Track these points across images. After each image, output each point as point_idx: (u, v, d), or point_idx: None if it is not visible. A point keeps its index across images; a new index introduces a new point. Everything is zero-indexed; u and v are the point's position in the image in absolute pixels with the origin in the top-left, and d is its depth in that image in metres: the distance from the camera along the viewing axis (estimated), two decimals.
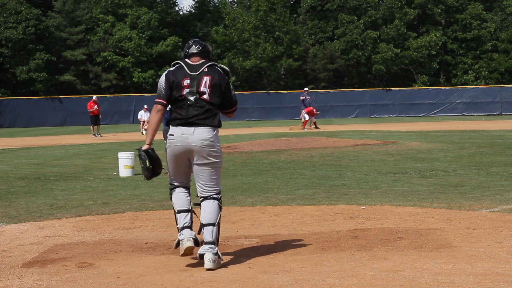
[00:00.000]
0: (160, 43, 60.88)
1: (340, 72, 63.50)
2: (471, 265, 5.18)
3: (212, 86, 5.59)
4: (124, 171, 13.76)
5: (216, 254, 5.35)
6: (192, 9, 70.80)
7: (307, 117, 32.71)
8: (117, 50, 61.64)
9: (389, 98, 54.39)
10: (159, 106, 5.63)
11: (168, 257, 5.83)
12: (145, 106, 34.97)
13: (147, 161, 5.66)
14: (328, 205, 8.69)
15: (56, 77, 59.38)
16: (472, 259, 5.38)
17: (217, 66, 5.71)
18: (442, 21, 64.11)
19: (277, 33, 60.41)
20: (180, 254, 5.60)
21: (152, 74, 59.86)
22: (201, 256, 5.37)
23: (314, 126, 32.67)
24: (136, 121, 46.50)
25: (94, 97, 33.98)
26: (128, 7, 62.36)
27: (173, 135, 5.54)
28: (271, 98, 55.07)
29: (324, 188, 10.76)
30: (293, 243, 6.27)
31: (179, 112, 5.56)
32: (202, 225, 5.50)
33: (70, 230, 7.42)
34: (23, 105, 53.77)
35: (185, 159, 5.59)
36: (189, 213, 5.66)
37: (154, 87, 58.97)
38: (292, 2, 69.08)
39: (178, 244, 5.67)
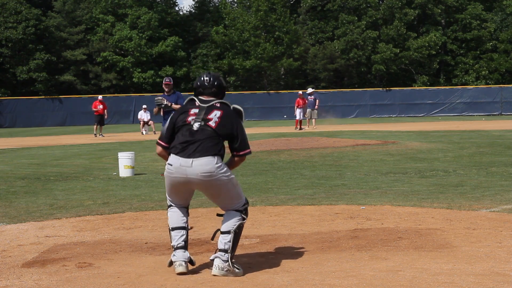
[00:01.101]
0: (160, 43, 60.87)
1: (340, 72, 63.49)
2: (471, 265, 5.18)
3: (221, 118, 5.33)
4: (124, 171, 13.76)
5: (226, 261, 5.11)
6: (192, 9, 70.83)
7: (298, 116, 32.72)
8: (117, 50, 61.64)
9: (389, 98, 54.39)
10: (159, 148, 5.50)
11: (168, 257, 5.83)
12: (144, 106, 34.95)
13: None
14: (328, 205, 8.69)
15: (56, 77, 59.38)
16: (472, 259, 5.38)
17: (230, 104, 5.50)
18: (442, 21, 64.11)
19: (277, 33, 60.41)
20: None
21: (152, 74, 59.85)
22: (212, 261, 5.22)
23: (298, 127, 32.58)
24: (136, 121, 46.50)
25: (100, 97, 33.84)
26: (128, 7, 62.36)
27: (171, 165, 5.24)
28: (271, 98, 55.07)
29: (324, 188, 10.76)
30: (293, 243, 6.27)
31: (180, 138, 5.29)
32: (220, 231, 5.32)
33: (70, 230, 7.42)
34: (23, 105, 53.76)
35: (186, 189, 5.36)
36: (184, 231, 5.39)
37: (154, 87, 59.02)
38: (292, 2, 69.08)
39: (171, 263, 5.35)
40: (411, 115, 52.64)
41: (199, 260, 5.68)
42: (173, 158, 5.25)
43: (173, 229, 5.42)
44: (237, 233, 5.30)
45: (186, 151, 5.21)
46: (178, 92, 13.75)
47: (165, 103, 13.02)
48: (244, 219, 5.37)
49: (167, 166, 5.31)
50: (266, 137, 23.92)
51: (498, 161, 14.49)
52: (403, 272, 5.01)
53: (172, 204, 5.50)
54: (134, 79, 60.24)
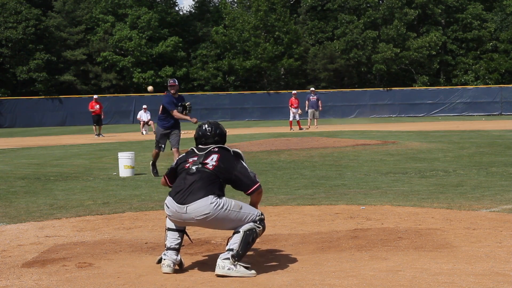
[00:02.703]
0: (160, 43, 60.87)
1: (340, 72, 63.47)
2: (471, 265, 5.18)
3: (219, 160, 5.40)
4: (124, 171, 13.75)
5: (227, 259, 5.09)
6: (192, 9, 70.84)
7: (291, 117, 32.64)
8: (117, 50, 61.64)
9: (389, 98, 54.38)
10: (163, 181, 5.75)
11: None
12: (144, 106, 34.94)
13: None
14: (328, 205, 8.69)
15: (56, 77, 59.37)
16: (472, 259, 5.38)
17: (229, 149, 5.57)
18: (442, 21, 64.09)
19: (277, 33, 60.39)
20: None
21: (152, 74, 59.85)
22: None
23: (298, 127, 32.55)
24: (136, 121, 46.51)
25: (95, 96, 33.82)
26: (128, 7, 62.36)
27: (168, 207, 5.35)
28: (271, 98, 55.06)
29: (324, 188, 10.76)
30: (293, 243, 6.27)
31: (178, 182, 5.42)
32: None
33: (70, 230, 7.42)
34: (23, 105, 53.75)
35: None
36: (179, 234, 5.44)
37: (154, 87, 58.87)
38: (292, 2, 69.06)
39: (160, 261, 5.37)
40: (411, 115, 52.62)
41: (199, 260, 5.69)
42: (169, 201, 5.34)
43: (170, 229, 5.45)
44: (248, 234, 5.25)
45: (181, 196, 5.28)
46: (183, 96, 13.86)
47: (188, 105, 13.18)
48: (258, 227, 5.33)
49: (165, 205, 5.41)
50: (266, 137, 23.92)
51: (498, 161, 14.49)
52: (403, 272, 5.01)
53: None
54: (134, 79, 60.22)
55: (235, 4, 69.59)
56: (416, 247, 5.89)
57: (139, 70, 60.31)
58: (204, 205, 5.19)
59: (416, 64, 61.67)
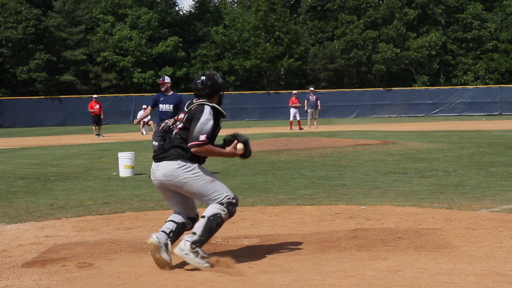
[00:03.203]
0: (160, 43, 60.87)
1: (340, 72, 63.46)
2: (471, 265, 5.18)
3: (185, 121, 5.53)
4: (124, 171, 13.75)
5: (188, 241, 5.24)
6: (192, 9, 70.81)
7: (291, 117, 32.63)
8: (117, 50, 61.64)
9: (389, 98, 54.36)
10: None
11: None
12: (144, 106, 34.93)
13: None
14: (328, 205, 8.69)
15: (56, 77, 59.36)
16: (472, 259, 5.38)
17: (208, 104, 5.57)
18: (442, 21, 64.10)
19: (277, 33, 60.38)
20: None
21: (152, 74, 59.83)
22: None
23: (299, 127, 32.54)
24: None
25: (94, 96, 33.78)
26: (128, 7, 62.34)
27: (152, 169, 5.61)
28: (271, 98, 55.06)
29: (324, 188, 10.76)
30: (293, 243, 6.27)
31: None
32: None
33: (70, 230, 7.42)
34: (23, 105, 53.73)
35: (166, 191, 5.59)
36: (174, 225, 5.55)
37: (154, 87, 58.97)
38: (292, 2, 69.06)
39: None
40: (411, 115, 52.61)
41: None
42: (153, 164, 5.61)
43: (168, 220, 5.66)
44: (211, 220, 5.35)
45: (157, 155, 5.57)
46: (180, 95, 13.46)
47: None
48: (224, 211, 5.41)
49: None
50: (266, 137, 23.92)
51: (498, 161, 14.49)
52: (403, 272, 5.01)
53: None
54: (134, 79, 60.22)
55: (235, 4, 69.60)
56: (416, 247, 5.89)
57: (139, 70, 60.29)
58: (171, 166, 5.41)
59: (416, 64, 61.65)
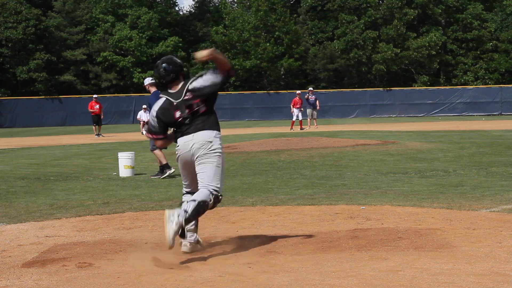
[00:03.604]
0: (160, 43, 60.87)
1: (340, 72, 63.48)
2: (471, 265, 5.18)
3: (200, 98, 5.88)
4: (124, 171, 13.75)
5: (181, 216, 5.54)
6: (192, 9, 70.85)
7: (294, 117, 32.60)
8: (117, 50, 61.65)
9: (389, 98, 54.36)
10: (160, 141, 6.19)
11: (168, 257, 5.83)
12: (144, 106, 34.88)
13: None
14: (328, 205, 8.69)
15: (56, 77, 59.37)
16: (472, 259, 5.38)
17: (191, 78, 6.02)
18: (442, 21, 64.11)
19: (277, 33, 60.38)
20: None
21: (152, 74, 59.83)
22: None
23: (299, 127, 32.52)
24: (136, 121, 46.49)
25: (95, 96, 33.74)
26: (128, 7, 62.34)
27: (178, 145, 5.90)
28: (271, 98, 55.06)
29: (324, 188, 10.75)
30: (293, 243, 6.27)
31: (179, 131, 5.92)
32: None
33: (70, 230, 7.42)
34: (23, 105, 53.73)
35: (190, 166, 5.92)
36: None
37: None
38: (292, 2, 69.06)
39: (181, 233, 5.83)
40: (411, 115, 52.61)
41: (198, 260, 5.69)
42: (179, 140, 5.88)
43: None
44: (201, 205, 5.66)
45: (187, 129, 5.85)
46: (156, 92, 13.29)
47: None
48: (210, 199, 5.71)
49: (176, 152, 5.93)
50: (266, 137, 23.92)
51: (498, 161, 14.49)
52: (403, 272, 5.01)
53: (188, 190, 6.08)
54: (134, 79, 60.22)
55: (235, 4, 69.60)
56: (416, 247, 5.88)
57: (139, 70, 60.30)
58: (211, 133, 5.83)
59: (416, 64, 61.67)
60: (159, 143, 6.17)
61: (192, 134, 5.79)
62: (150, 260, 5.53)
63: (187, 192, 6.08)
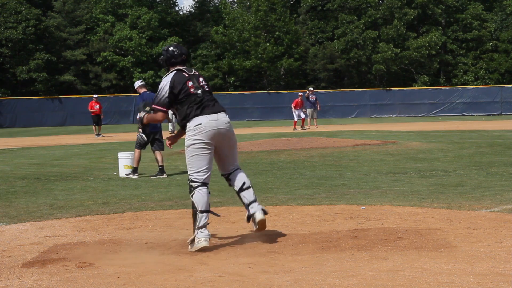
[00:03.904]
0: (161, 43, 60.85)
1: (340, 72, 63.49)
2: (471, 265, 5.18)
3: (207, 82, 6.43)
4: (124, 171, 13.74)
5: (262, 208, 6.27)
6: (192, 9, 70.83)
7: (296, 117, 32.56)
8: (117, 50, 61.65)
9: (389, 98, 54.37)
10: (161, 114, 6.34)
11: (168, 257, 5.84)
12: None
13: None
14: (328, 205, 8.68)
15: (56, 77, 59.37)
16: (472, 259, 5.38)
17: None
18: (442, 21, 64.11)
19: (277, 33, 60.39)
20: (193, 250, 5.93)
21: (152, 74, 59.84)
22: (253, 214, 6.21)
23: (301, 126, 32.48)
24: (136, 121, 46.46)
25: (95, 96, 33.73)
26: (128, 7, 62.35)
27: (200, 124, 6.04)
28: (271, 98, 55.07)
29: (324, 188, 10.75)
30: (293, 243, 6.27)
31: (192, 103, 6.12)
32: (241, 190, 6.27)
33: (70, 230, 7.42)
34: (23, 105, 53.74)
35: (212, 145, 6.12)
36: (207, 214, 6.12)
37: (154, 87, 58.99)
38: (292, 2, 69.07)
39: (193, 240, 6.01)
40: (411, 115, 52.62)
41: (199, 260, 5.69)
42: (199, 119, 6.06)
43: (202, 211, 6.06)
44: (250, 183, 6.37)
45: (210, 109, 6.13)
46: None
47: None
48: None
49: (195, 128, 6.05)
50: (266, 137, 23.92)
51: (498, 161, 14.49)
52: (403, 272, 5.01)
53: (199, 181, 6.09)
54: (134, 79, 60.17)
55: (235, 4, 69.60)
56: (416, 247, 5.88)
57: (139, 70, 60.30)
58: (227, 117, 6.26)
59: (416, 64, 61.67)
60: (159, 115, 6.27)
61: (216, 114, 6.11)
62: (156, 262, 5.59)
63: (202, 184, 6.10)
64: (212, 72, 61.23)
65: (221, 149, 6.20)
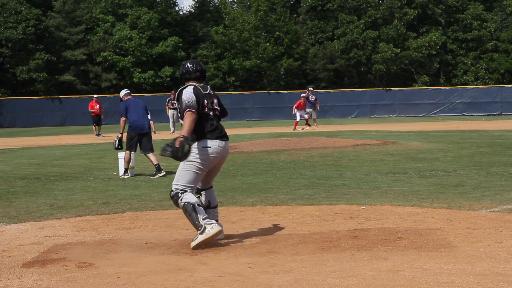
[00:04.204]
0: (160, 43, 60.86)
1: (340, 72, 63.47)
2: (471, 265, 5.18)
3: (219, 105, 6.59)
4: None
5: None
6: (192, 9, 70.80)
7: (298, 117, 32.51)
8: (117, 50, 61.64)
9: (389, 98, 54.35)
10: (194, 115, 6.35)
11: (168, 257, 5.84)
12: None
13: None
14: (328, 205, 8.69)
15: (56, 77, 59.35)
16: (472, 259, 5.38)
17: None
18: (442, 21, 64.10)
19: (277, 33, 60.38)
20: (207, 237, 6.06)
21: (152, 74, 59.82)
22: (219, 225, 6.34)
23: (306, 125, 32.46)
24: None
25: (95, 96, 33.70)
26: (128, 7, 62.32)
27: (210, 147, 6.28)
28: (271, 98, 55.05)
29: (324, 188, 10.76)
30: (293, 243, 6.27)
31: (207, 126, 6.31)
32: (211, 208, 6.56)
33: (70, 230, 7.42)
34: (23, 105, 53.71)
35: (208, 169, 6.41)
36: (202, 208, 6.32)
37: (153, 87, 59.00)
38: (292, 2, 69.05)
39: (204, 229, 6.09)
40: (411, 115, 52.60)
41: (198, 260, 5.69)
42: (214, 143, 6.30)
43: (198, 205, 6.20)
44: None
45: (221, 136, 6.39)
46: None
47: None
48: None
49: (204, 149, 6.26)
50: (266, 137, 23.92)
51: (498, 161, 14.49)
52: (403, 272, 5.01)
53: (185, 191, 6.31)
54: (134, 79, 60.22)
55: (235, 4, 69.59)
56: (416, 247, 5.88)
57: (139, 70, 60.28)
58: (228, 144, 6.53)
59: (416, 64, 61.66)
60: (194, 116, 6.25)
61: (225, 142, 6.40)
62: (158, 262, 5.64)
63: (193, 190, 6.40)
64: (212, 72, 61.21)
65: (212, 170, 6.51)
